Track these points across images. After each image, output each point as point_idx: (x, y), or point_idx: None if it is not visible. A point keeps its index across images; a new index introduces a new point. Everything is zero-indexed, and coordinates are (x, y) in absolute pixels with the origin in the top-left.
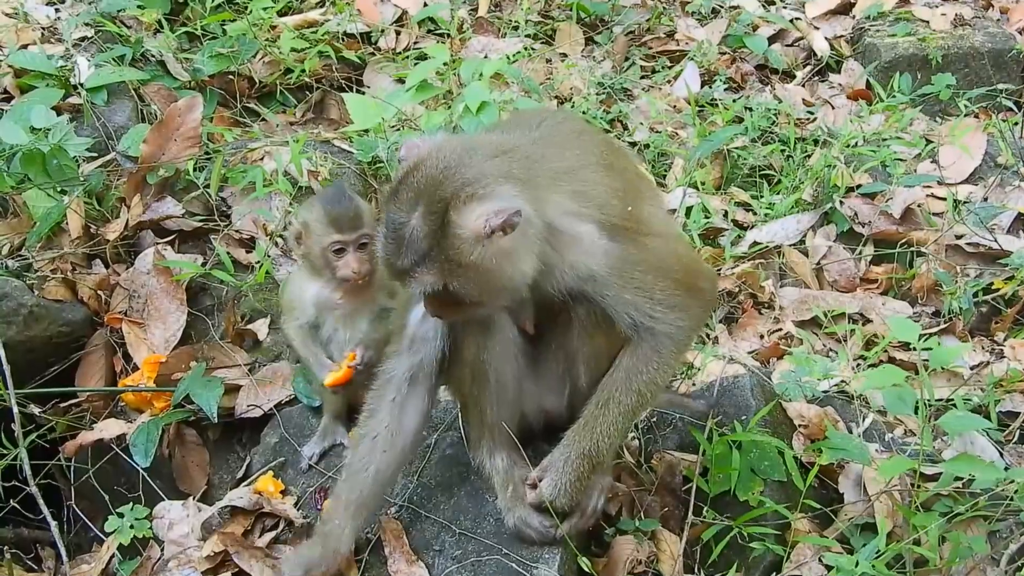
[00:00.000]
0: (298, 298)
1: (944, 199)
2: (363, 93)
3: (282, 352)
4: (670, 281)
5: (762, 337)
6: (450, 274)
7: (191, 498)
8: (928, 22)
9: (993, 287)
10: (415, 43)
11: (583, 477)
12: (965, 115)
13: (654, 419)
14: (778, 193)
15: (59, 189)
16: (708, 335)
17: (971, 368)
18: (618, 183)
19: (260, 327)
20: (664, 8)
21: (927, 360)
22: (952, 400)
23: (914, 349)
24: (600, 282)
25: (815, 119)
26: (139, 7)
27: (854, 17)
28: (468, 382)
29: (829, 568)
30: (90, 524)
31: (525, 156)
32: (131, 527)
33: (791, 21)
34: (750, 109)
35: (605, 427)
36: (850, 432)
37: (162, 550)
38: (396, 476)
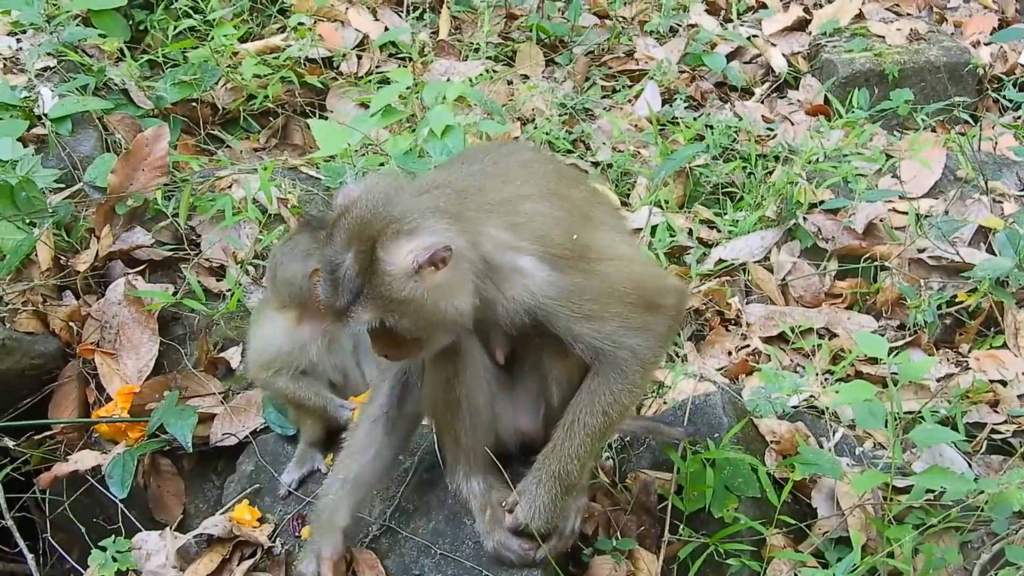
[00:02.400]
0: (275, 346)
1: (906, 213)
2: (326, 118)
3: (254, 377)
4: (624, 305)
5: (730, 354)
6: (385, 311)
7: (167, 528)
8: (884, 37)
9: (956, 299)
10: (377, 67)
11: (556, 499)
12: (923, 129)
13: (627, 439)
14: (741, 210)
15: (28, 221)
16: (677, 353)
17: (937, 380)
18: (561, 212)
19: (233, 355)
20: (623, 28)
21: (896, 374)
22: (920, 413)
23: (883, 363)
24: (547, 313)
25: (775, 135)
26: (101, 36)
27: (810, 33)
28: (441, 408)
29: None
30: (66, 556)
31: (457, 191)
32: (114, 559)
33: (748, 38)
34: (711, 127)
35: (573, 450)
36: (821, 447)
37: None
38: (395, 460)
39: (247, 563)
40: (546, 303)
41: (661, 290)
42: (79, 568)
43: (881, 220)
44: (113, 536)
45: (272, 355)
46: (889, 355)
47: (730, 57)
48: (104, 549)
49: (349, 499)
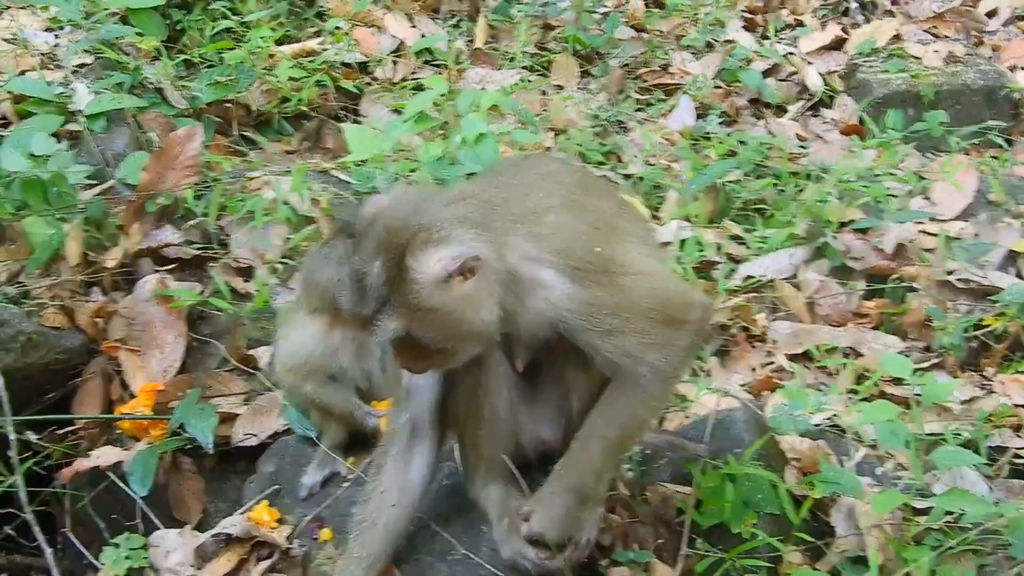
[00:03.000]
0: (306, 351)
1: (936, 235)
2: (360, 123)
3: (280, 380)
4: (646, 320)
5: (754, 370)
6: (411, 320)
7: (187, 526)
8: (920, 59)
9: (983, 323)
10: (412, 74)
11: (572, 511)
12: (957, 152)
13: (648, 452)
14: (771, 227)
15: (58, 216)
16: (701, 368)
17: (961, 403)
18: (584, 224)
19: (261, 355)
20: (659, 42)
21: (919, 395)
22: (943, 435)
23: (907, 384)
24: (568, 326)
25: (808, 153)
26: (138, 34)
27: (847, 53)
28: (462, 416)
29: None
30: (85, 552)
31: (484, 201)
32: (127, 557)
33: (785, 56)
34: (743, 143)
35: (590, 462)
36: (841, 465)
37: None
38: (407, 528)
39: (264, 564)
40: (567, 316)
41: (685, 305)
42: (96, 564)
43: (911, 241)
44: (127, 533)
45: (302, 360)
46: (913, 375)
47: (766, 74)
48: (117, 546)
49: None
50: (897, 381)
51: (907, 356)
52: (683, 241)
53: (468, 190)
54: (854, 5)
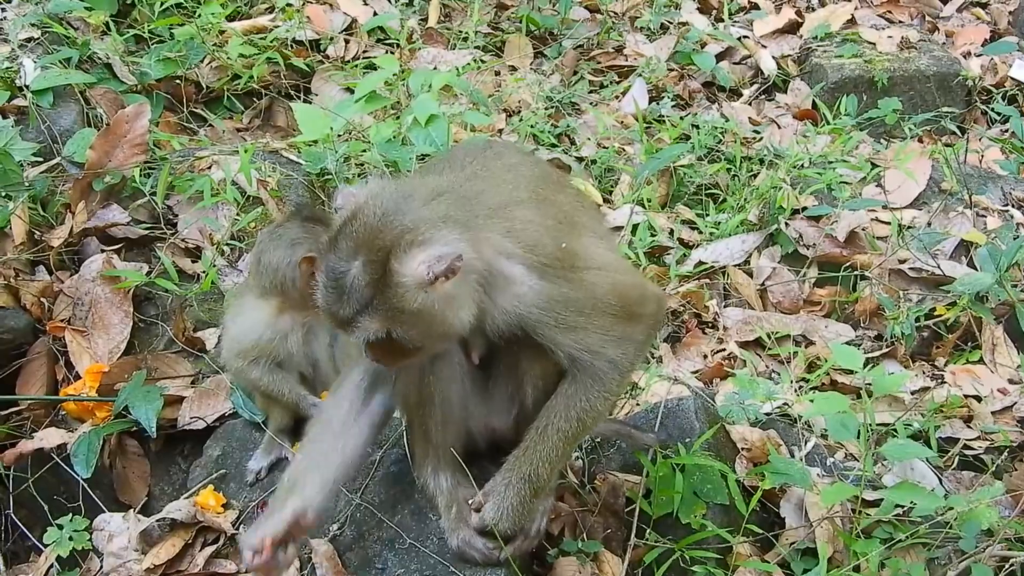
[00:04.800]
0: (255, 335)
1: (888, 223)
2: (311, 101)
3: (226, 364)
4: (607, 317)
5: (706, 357)
6: (393, 322)
7: (131, 510)
8: (875, 44)
9: (935, 312)
10: (364, 52)
11: (525, 502)
12: (910, 138)
13: (598, 440)
14: (724, 212)
15: (3, 194)
16: (652, 354)
17: (912, 393)
18: (550, 219)
19: (207, 336)
20: (613, 23)
21: (871, 384)
22: (894, 426)
23: (858, 374)
24: (532, 322)
25: (761, 138)
26: (87, 8)
27: (801, 37)
28: (413, 402)
29: None
30: (28, 533)
31: (461, 196)
32: (70, 539)
33: (739, 39)
34: (697, 127)
35: (545, 453)
36: (792, 455)
37: (101, 562)
38: (363, 450)
39: (209, 549)
40: (532, 312)
41: (642, 299)
42: (40, 545)
43: (863, 229)
44: (71, 515)
45: (250, 344)
46: (864, 368)
47: (720, 57)
48: (61, 527)
49: (310, 478)
50: (848, 370)
51: (858, 345)
52: (635, 226)
53: (443, 184)
54: None
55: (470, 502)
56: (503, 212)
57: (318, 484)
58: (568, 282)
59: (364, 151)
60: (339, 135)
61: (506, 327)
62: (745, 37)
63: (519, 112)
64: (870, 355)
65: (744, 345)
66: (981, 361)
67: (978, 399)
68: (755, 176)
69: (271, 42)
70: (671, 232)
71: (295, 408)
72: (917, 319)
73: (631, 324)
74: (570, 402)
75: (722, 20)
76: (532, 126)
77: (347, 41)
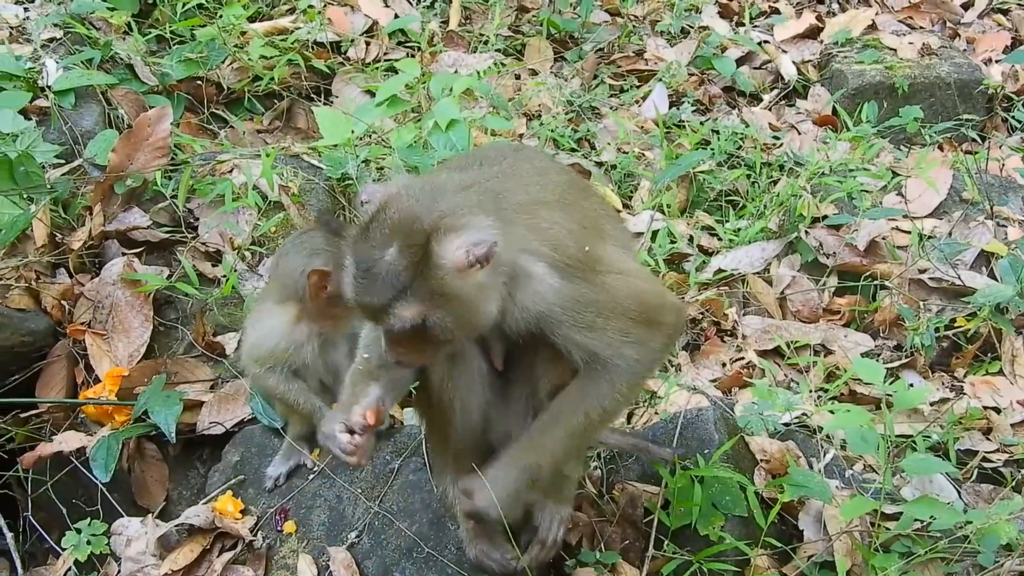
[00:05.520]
0: (271, 342)
1: (909, 233)
2: (331, 103)
3: (246, 369)
4: (626, 320)
5: (724, 365)
6: (432, 306)
7: (149, 514)
8: (895, 50)
9: (955, 323)
10: (385, 55)
11: (519, 492)
12: (930, 146)
13: (616, 450)
14: (743, 218)
15: (25, 196)
16: (671, 362)
17: (931, 405)
18: (575, 223)
19: (228, 341)
20: (634, 27)
21: (890, 395)
22: (913, 439)
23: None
24: (551, 321)
25: (781, 144)
26: (109, 9)
27: (822, 42)
28: (433, 410)
29: None
30: (46, 536)
31: (489, 190)
32: (88, 543)
33: (759, 44)
34: (717, 132)
35: (548, 445)
36: (810, 467)
37: (119, 566)
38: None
39: (227, 555)
40: (552, 311)
41: (661, 307)
42: (58, 548)
43: (883, 238)
44: (89, 519)
45: (267, 351)
46: (885, 381)
47: (740, 62)
48: (79, 531)
49: (371, 385)
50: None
51: (877, 355)
52: (655, 232)
53: (471, 179)
54: None
55: (462, 488)
56: (529, 210)
57: (382, 387)
58: (589, 284)
59: (385, 155)
60: (360, 139)
61: (525, 326)
62: (765, 42)
63: (539, 116)
64: (889, 365)
65: (763, 354)
66: (1001, 372)
67: (997, 411)
68: (775, 183)
69: (292, 44)
70: (691, 239)
71: (311, 418)
72: (937, 329)
73: (649, 330)
74: (580, 397)
75: (743, 25)
76: (552, 130)
77: (368, 43)
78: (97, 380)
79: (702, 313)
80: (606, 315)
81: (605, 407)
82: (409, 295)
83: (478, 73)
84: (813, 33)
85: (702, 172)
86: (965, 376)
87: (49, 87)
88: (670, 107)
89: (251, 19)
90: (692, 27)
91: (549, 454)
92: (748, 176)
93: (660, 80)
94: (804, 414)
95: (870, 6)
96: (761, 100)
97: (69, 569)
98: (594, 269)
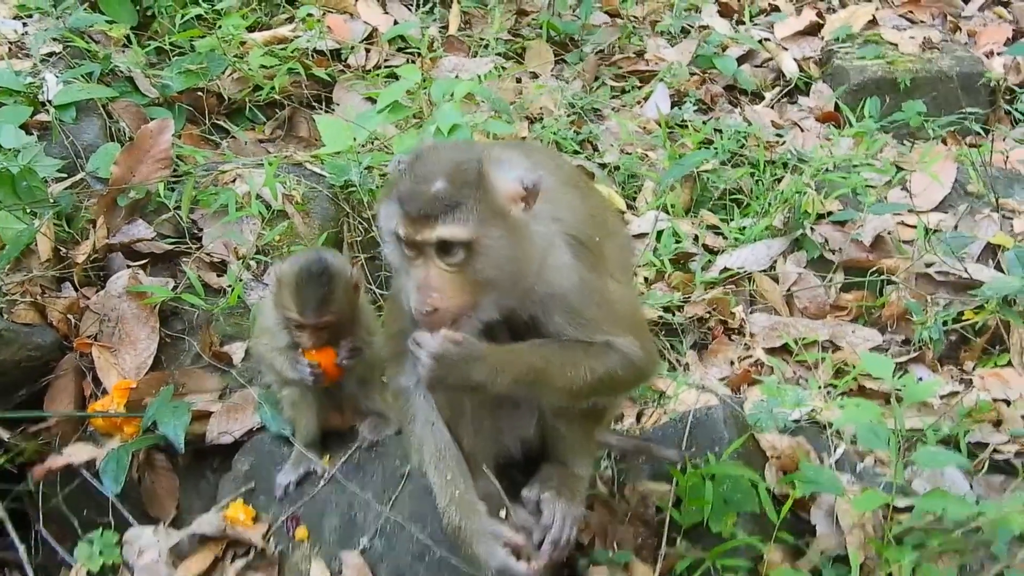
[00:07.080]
0: (272, 324)
1: (914, 227)
2: (332, 111)
3: (254, 378)
4: (624, 325)
5: (732, 364)
6: (480, 227)
7: (161, 524)
8: (896, 45)
9: (963, 316)
10: (385, 61)
11: (480, 366)
12: (934, 140)
13: (621, 452)
14: (748, 217)
15: (28, 211)
16: (679, 361)
17: (941, 398)
18: (589, 209)
19: (235, 350)
20: (634, 28)
21: (900, 390)
22: (923, 432)
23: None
24: (552, 300)
25: (784, 142)
26: (108, 22)
27: (823, 39)
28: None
29: None
30: (58, 548)
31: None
32: (100, 553)
33: (760, 42)
34: (720, 131)
35: (529, 359)
36: (822, 462)
37: None
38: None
39: (239, 563)
40: (563, 289)
41: (646, 335)
42: (70, 560)
43: (889, 233)
44: (100, 530)
45: (261, 325)
46: (894, 376)
47: (741, 60)
48: (91, 542)
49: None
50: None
51: (886, 349)
52: (660, 232)
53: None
54: None
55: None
56: (554, 186)
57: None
58: (593, 270)
59: (387, 162)
60: (362, 146)
61: (533, 309)
62: (766, 40)
63: (541, 119)
64: (898, 360)
65: (771, 351)
66: (1009, 364)
67: (1007, 403)
68: (779, 180)
69: (292, 52)
70: (696, 238)
71: (287, 372)
72: (945, 323)
73: (632, 338)
74: (582, 350)
75: (743, 23)
76: (555, 133)
77: (368, 50)
78: (105, 393)
79: (709, 312)
80: (607, 309)
81: (596, 372)
82: (463, 210)
83: (479, 77)
84: (814, 30)
85: (706, 171)
86: (974, 369)
87: (49, 101)
88: (672, 107)
89: (250, 29)
90: (692, 27)
91: (526, 368)
92: (752, 174)
93: (661, 80)
94: (814, 410)
95: (870, 1)
96: (763, 98)
97: None
98: (600, 258)
